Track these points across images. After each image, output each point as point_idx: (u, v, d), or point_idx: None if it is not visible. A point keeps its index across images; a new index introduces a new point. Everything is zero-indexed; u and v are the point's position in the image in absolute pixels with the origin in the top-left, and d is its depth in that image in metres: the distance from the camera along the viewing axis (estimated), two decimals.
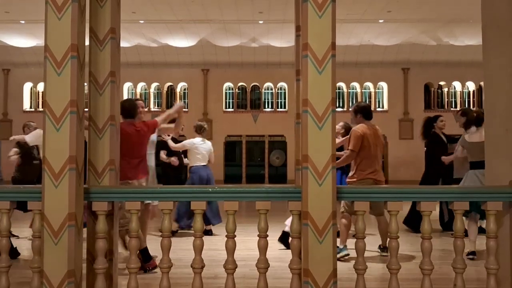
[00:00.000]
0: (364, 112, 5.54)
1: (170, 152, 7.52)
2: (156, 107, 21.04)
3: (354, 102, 20.55)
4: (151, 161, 5.46)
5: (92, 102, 2.78)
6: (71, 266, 2.42)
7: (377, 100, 20.86)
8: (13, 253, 4.98)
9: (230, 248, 2.66)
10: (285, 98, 20.83)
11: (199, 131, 7.12)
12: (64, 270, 2.41)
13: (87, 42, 2.64)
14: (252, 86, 20.90)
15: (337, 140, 5.61)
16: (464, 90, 20.89)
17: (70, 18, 2.44)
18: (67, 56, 2.42)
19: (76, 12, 2.45)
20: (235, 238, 2.69)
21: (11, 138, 6.84)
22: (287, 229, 5.54)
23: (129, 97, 19.27)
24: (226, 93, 20.96)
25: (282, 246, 5.60)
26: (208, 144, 7.17)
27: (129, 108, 4.88)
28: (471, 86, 20.76)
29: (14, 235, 6.61)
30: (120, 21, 2.90)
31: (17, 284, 3.80)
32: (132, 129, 4.79)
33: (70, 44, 2.43)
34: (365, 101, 20.80)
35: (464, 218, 2.98)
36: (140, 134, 4.88)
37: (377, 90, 20.85)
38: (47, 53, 2.43)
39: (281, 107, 20.84)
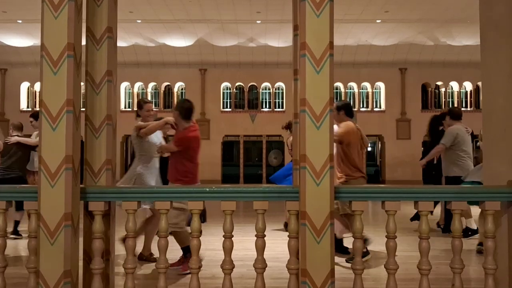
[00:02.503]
0: (347, 109, 5.58)
1: None
2: (153, 107, 20.99)
3: (351, 102, 20.59)
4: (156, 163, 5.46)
5: (88, 102, 2.77)
6: (68, 266, 2.41)
7: (374, 100, 20.88)
8: None
9: (227, 248, 2.65)
10: (282, 98, 20.82)
11: None
12: (60, 270, 2.39)
13: (83, 42, 2.63)
14: (250, 86, 20.90)
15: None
16: (461, 90, 20.93)
17: (66, 17, 2.42)
18: (64, 55, 2.41)
19: (72, 11, 2.43)
20: (233, 238, 2.68)
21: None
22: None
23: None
24: (223, 93, 20.94)
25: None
26: None
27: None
28: (468, 86, 20.79)
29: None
30: (117, 20, 2.88)
31: (13, 284, 3.78)
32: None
33: (66, 43, 2.41)
34: (363, 101, 20.85)
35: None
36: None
37: (374, 90, 20.87)
38: (44, 52, 2.42)
39: (279, 107, 20.84)
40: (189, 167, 4.86)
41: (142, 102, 5.69)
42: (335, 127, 5.36)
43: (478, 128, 5.90)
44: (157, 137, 5.37)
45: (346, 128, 5.36)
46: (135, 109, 6.11)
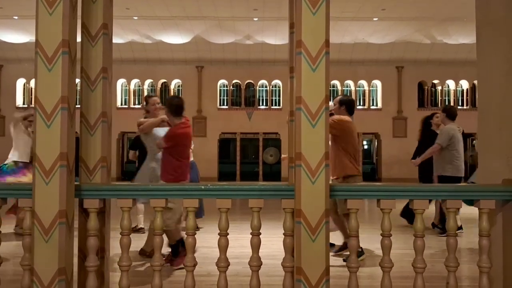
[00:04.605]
0: (349, 105, 5.53)
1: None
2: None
3: None
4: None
5: (84, 99, 2.75)
6: (62, 263, 2.40)
7: (371, 98, 20.90)
8: None
9: (223, 246, 2.65)
10: (279, 96, 20.83)
11: None
12: (55, 267, 2.38)
13: (79, 38, 2.61)
14: (247, 83, 20.88)
15: None
16: (457, 88, 20.97)
17: (61, 14, 2.41)
18: (58, 52, 2.39)
19: (67, 7, 2.41)
20: (228, 236, 2.68)
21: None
22: None
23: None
24: (220, 90, 20.91)
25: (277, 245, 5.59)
26: None
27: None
28: (464, 84, 20.84)
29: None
30: (112, 16, 2.87)
31: (8, 281, 3.77)
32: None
33: (61, 39, 2.40)
34: (359, 99, 20.86)
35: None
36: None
37: (371, 88, 20.89)
38: (38, 49, 2.40)
39: (275, 105, 20.84)
40: (177, 163, 4.78)
41: (147, 98, 5.93)
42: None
43: (474, 127, 5.89)
44: (164, 133, 5.31)
45: (339, 116, 5.36)
46: (132, 106, 6.18)
